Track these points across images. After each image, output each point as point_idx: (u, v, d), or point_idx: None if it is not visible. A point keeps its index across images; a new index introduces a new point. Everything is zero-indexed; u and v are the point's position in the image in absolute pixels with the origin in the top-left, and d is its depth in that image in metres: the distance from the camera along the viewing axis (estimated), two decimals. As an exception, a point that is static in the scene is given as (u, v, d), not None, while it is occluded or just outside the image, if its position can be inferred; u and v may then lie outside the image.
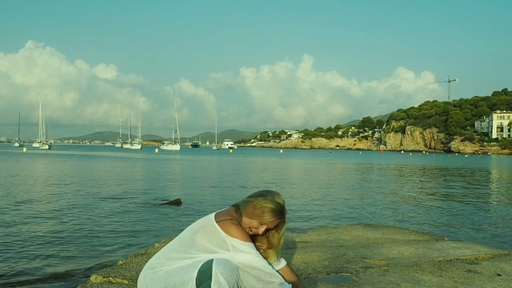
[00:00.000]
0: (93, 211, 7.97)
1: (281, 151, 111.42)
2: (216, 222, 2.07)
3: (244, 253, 2.01)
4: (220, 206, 2.33)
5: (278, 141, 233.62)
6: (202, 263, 1.96)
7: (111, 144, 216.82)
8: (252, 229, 2.11)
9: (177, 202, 9.08)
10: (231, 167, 28.35)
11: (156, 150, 77.87)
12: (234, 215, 2.12)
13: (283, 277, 2.11)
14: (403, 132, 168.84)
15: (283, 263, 2.24)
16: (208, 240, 2.04)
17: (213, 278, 1.88)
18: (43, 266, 4.38)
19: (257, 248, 2.10)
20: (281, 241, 2.21)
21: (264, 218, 2.09)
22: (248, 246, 2.03)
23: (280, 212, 2.13)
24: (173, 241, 2.16)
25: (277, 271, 2.14)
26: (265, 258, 2.11)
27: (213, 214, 2.15)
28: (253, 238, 2.14)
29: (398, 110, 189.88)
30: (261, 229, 2.11)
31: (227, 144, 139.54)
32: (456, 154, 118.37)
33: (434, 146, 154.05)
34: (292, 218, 7.61)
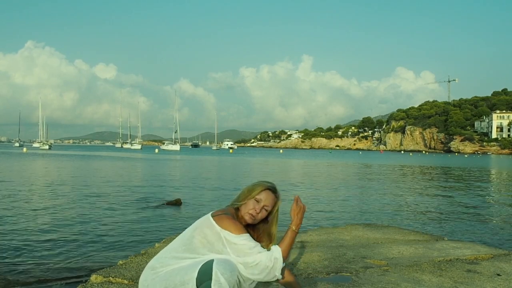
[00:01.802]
0: (93, 211, 7.97)
1: (281, 151, 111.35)
2: (212, 217, 2.11)
3: (238, 252, 2.02)
4: (220, 206, 2.35)
5: (278, 141, 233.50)
6: (203, 263, 1.97)
7: (111, 144, 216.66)
8: (251, 212, 2.14)
9: (177, 202, 9.08)
10: (231, 167, 28.35)
11: (156, 150, 77.90)
12: (229, 211, 2.16)
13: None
14: (403, 132, 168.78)
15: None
16: (205, 236, 2.06)
17: (213, 278, 1.89)
18: (44, 266, 4.38)
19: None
20: (276, 226, 2.23)
21: (255, 192, 2.15)
22: (239, 238, 2.03)
23: (271, 185, 2.20)
24: (174, 242, 2.18)
25: None
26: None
27: (211, 213, 2.19)
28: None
29: (398, 110, 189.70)
30: (258, 207, 2.14)
31: (227, 144, 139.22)
32: (456, 154, 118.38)
33: (434, 146, 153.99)
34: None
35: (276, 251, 2.06)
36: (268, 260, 2.02)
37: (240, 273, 2.00)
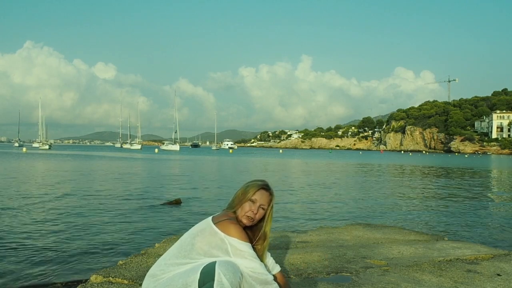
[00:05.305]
0: (93, 211, 7.97)
1: (281, 151, 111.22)
2: (214, 224, 2.08)
3: (242, 258, 2.02)
4: (220, 206, 2.34)
5: (278, 141, 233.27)
6: (205, 264, 1.96)
7: (111, 144, 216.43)
8: (248, 214, 2.13)
9: (177, 202, 9.08)
10: (230, 167, 28.34)
11: (156, 150, 77.91)
12: (230, 215, 2.14)
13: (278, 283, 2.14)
14: (403, 132, 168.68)
15: (277, 268, 2.29)
16: (208, 243, 2.05)
17: (216, 278, 1.88)
18: (44, 266, 4.38)
19: (255, 250, 2.13)
20: (270, 224, 2.24)
21: (250, 193, 2.15)
22: (246, 246, 2.04)
23: (263, 183, 2.20)
24: (173, 248, 2.16)
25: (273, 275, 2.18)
26: (261, 260, 2.14)
27: (210, 218, 2.17)
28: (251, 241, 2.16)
29: (398, 110, 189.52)
30: (255, 207, 2.13)
31: (227, 144, 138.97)
32: (456, 154, 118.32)
33: (434, 146, 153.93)
34: (293, 218, 7.61)
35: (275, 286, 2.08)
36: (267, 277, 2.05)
37: (242, 275, 1.99)
